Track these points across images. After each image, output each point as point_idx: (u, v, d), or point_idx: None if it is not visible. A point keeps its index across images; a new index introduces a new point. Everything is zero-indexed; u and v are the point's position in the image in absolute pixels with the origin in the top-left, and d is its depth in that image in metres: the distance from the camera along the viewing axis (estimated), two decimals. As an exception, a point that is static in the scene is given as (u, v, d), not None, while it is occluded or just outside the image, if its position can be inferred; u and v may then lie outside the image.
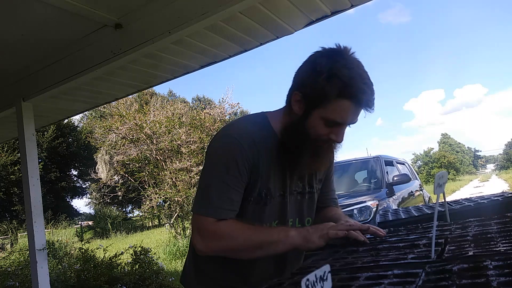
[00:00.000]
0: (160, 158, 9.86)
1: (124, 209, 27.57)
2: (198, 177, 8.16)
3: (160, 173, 9.81)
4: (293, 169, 1.13)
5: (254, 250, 1.02)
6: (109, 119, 10.79)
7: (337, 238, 1.02)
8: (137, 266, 4.77)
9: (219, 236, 1.02)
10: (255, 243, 1.01)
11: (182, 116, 10.50)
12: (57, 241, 8.57)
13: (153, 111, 10.44)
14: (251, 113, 1.23)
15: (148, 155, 9.97)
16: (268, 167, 1.07)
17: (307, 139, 1.04)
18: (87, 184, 27.73)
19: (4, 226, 16.72)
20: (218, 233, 1.02)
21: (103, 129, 10.71)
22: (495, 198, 1.38)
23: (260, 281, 0.98)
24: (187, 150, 9.64)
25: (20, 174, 4.79)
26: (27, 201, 3.01)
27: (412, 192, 6.52)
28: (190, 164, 9.47)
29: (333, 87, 0.97)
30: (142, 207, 11.42)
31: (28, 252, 3.45)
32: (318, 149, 1.07)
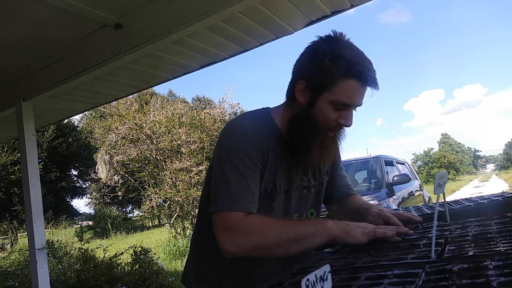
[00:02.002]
0: (160, 158, 9.86)
1: (124, 209, 27.58)
2: (198, 177, 8.09)
3: (160, 173, 9.80)
4: (298, 164, 1.12)
5: (289, 245, 0.95)
6: (109, 119, 10.77)
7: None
8: (137, 266, 4.77)
9: (250, 232, 0.95)
10: (290, 237, 0.94)
11: (182, 116, 10.49)
12: (57, 241, 8.57)
13: (153, 111, 10.43)
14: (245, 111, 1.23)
15: (148, 155, 9.96)
16: (275, 163, 1.07)
17: (314, 129, 1.03)
18: (87, 184, 27.75)
19: (4, 226, 16.73)
20: (249, 228, 0.95)
21: (103, 129, 10.71)
22: (495, 198, 1.38)
23: (262, 282, 0.97)
24: (187, 150, 9.63)
25: (20, 174, 4.79)
26: (27, 201, 3.01)
27: (412, 192, 6.53)
28: (190, 164, 9.46)
29: (339, 67, 0.98)
30: (142, 207, 11.41)
31: (28, 252, 3.45)
32: (324, 140, 1.06)
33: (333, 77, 0.99)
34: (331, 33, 1.03)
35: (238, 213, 0.96)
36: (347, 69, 0.98)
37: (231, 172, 0.99)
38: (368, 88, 1.04)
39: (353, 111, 1.05)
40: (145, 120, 9.93)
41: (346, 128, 1.10)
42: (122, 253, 5.15)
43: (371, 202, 4.68)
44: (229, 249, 0.95)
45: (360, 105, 1.05)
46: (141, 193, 10.56)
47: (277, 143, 1.08)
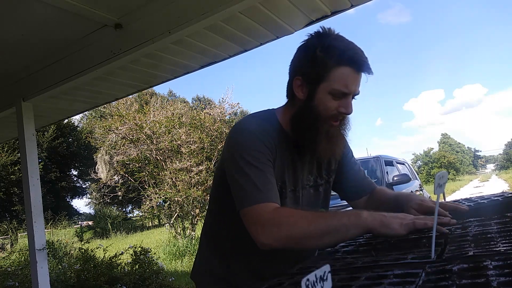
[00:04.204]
0: (160, 158, 9.85)
1: (124, 209, 27.61)
2: (198, 177, 8.09)
3: (160, 173, 9.79)
4: (303, 162, 1.14)
5: (322, 236, 0.93)
6: (109, 119, 10.76)
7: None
8: (137, 266, 4.77)
9: (282, 223, 0.94)
10: (322, 228, 0.93)
11: (182, 116, 10.47)
12: (57, 241, 8.57)
13: (153, 111, 10.41)
14: (250, 113, 1.24)
15: (148, 155, 9.95)
16: (282, 161, 1.08)
17: (316, 121, 1.05)
18: (87, 184, 27.77)
19: (4, 226, 16.71)
20: (280, 219, 0.95)
21: (103, 129, 10.70)
22: (495, 198, 1.38)
23: (270, 277, 0.97)
24: (187, 150, 9.62)
25: (20, 174, 4.79)
26: (27, 201, 3.01)
27: (412, 192, 6.52)
28: (190, 164, 9.46)
29: (331, 56, 1.00)
30: (142, 207, 11.41)
31: (28, 252, 3.45)
32: (329, 130, 1.07)
33: (326, 66, 1.01)
34: (320, 29, 1.06)
35: (267, 205, 0.96)
36: (338, 57, 1.00)
37: (249, 169, 1.00)
38: (363, 75, 1.05)
39: (352, 100, 1.07)
40: (145, 120, 9.92)
41: (349, 118, 1.11)
42: (122, 253, 5.15)
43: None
44: (264, 241, 0.94)
45: (357, 93, 1.06)
46: (141, 193, 10.56)
47: (283, 142, 1.09)
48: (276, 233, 0.94)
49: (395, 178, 5.68)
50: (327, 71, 1.01)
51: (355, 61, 1.01)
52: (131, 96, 9.15)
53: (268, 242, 0.94)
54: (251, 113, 1.20)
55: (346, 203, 1.39)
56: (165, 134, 9.82)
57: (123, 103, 10.57)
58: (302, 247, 0.99)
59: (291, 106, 1.11)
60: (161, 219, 16.50)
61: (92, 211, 27.02)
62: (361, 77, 1.05)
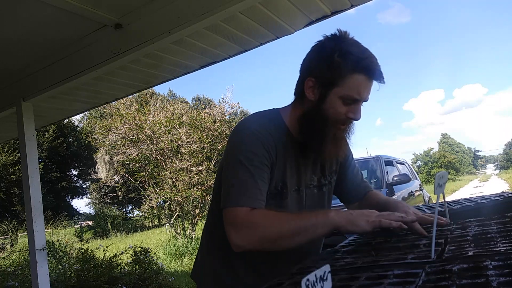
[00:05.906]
0: (160, 158, 9.85)
1: (124, 209, 27.60)
2: (198, 177, 8.10)
3: (160, 173, 9.79)
4: (308, 162, 1.14)
5: (293, 236, 0.97)
6: (109, 119, 10.76)
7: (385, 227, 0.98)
8: (137, 266, 4.77)
9: (254, 225, 0.97)
10: (292, 228, 0.97)
11: (182, 116, 10.47)
12: (57, 241, 8.57)
13: (153, 111, 10.42)
14: (251, 113, 1.24)
15: (148, 155, 9.95)
16: (284, 161, 1.09)
17: (325, 123, 1.06)
18: (87, 184, 27.76)
19: (4, 226, 16.72)
20: (253, 222, 0.98)
21: (103, 129, 10.69)
22: (495, 198, 1.38)
23: (268, 276, 0.96)
24: (187, 150, 9.63)
25: (20, 174, 4.79)
26: (27, 201, 3.01)
27: (412, 192, 6.53)
28: (190, 164, 9.46)
29: (348, 63, 1.00)
30: (142, 207, 11.41)
31: (28, 252, 3.45)
32: (336, 133, 1.08)
33: (342, 72, 1.01)
34: (336, 32, 1.06)
35: (245, 208, 0.99)
36: (355, 64, 1.00)
37: (239, 170, 1.02)
38: (375, 82, 1.06)
39: (361, 106, 1.07)
40: (145, 120, 9.91)
41: (354, 123, 1.12)
42: (122, 253, 5.15)
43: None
44: (237, 243, 0.98)
45: (367, 100, 1.07)
46: (141, 193, 10.56)
47: (287, 142, 1.09)
48: (250, 235, 0.97)
49: (395, 178, 5.67)
50: (343, 77, 1.01)
51: (370, 69, 1.02)
52: (131, 96, 9.14)
53: (240, 244, 0.98)
54: (255, 112, 1.20)
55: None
56: (165, 134, 9.82)
57: (123, 103, 10.57)
58: (276, 248, 1.01)
59: (299, 106, 1.11)
60: (161, 219, 16.50)
61: (92, 211, 27.03)
62: (373, 84, 1.06)
